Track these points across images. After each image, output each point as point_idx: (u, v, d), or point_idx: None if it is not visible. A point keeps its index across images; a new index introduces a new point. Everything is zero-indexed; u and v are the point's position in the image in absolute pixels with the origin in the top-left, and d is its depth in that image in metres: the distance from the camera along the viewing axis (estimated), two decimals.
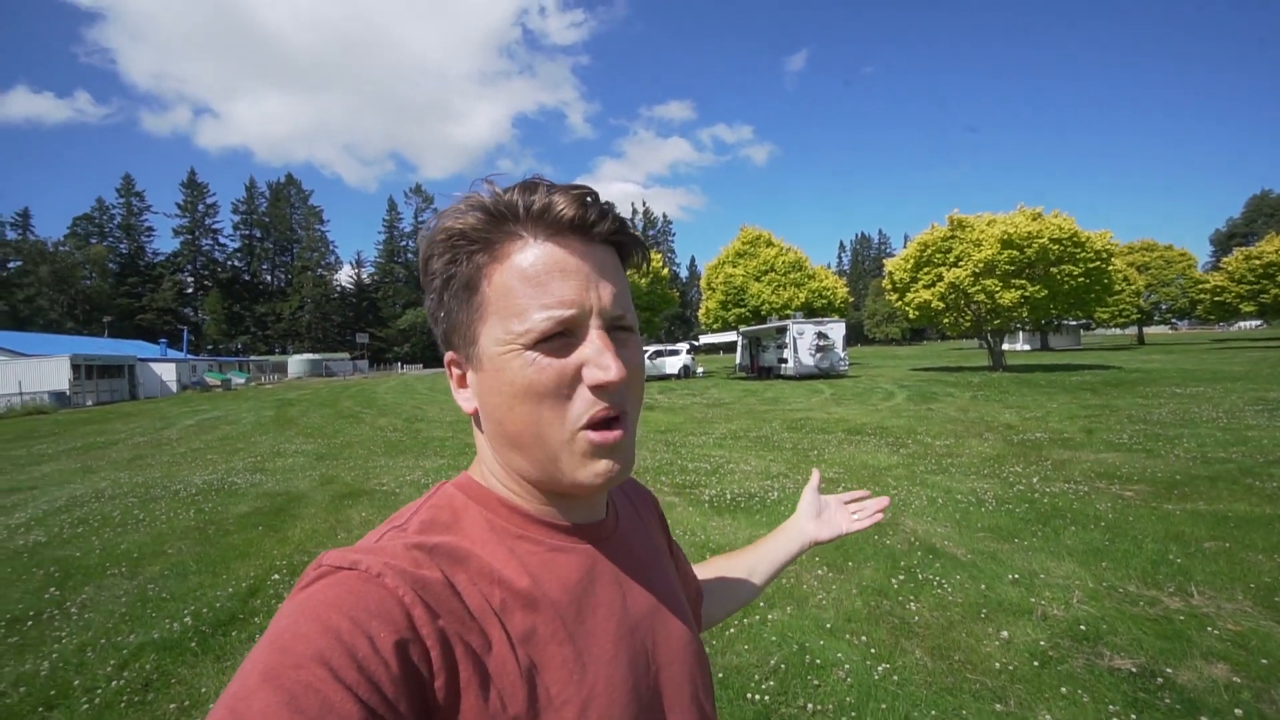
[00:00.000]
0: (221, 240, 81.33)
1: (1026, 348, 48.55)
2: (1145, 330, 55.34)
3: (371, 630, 0.40)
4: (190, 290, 77.79)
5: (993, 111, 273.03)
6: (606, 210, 0.51)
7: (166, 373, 33.82)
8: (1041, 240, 20.05)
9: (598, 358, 0.48)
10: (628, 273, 0.56)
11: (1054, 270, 20.67)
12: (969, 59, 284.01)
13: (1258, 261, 35.12)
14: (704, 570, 0.91)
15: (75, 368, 26.83)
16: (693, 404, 16.31)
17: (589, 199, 0.50)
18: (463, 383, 0.55)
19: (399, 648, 0.40)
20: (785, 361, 24.60)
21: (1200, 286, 41.65)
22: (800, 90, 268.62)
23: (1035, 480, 6.20)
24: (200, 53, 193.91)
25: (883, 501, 0.97)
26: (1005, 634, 3.09)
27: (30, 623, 3.66)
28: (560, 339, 0.48)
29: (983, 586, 3.68)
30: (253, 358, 56.89)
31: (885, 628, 3.25)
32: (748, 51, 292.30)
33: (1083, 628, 3.09)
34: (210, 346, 72.38)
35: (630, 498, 0.71)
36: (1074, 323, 45.71)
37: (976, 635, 3.13)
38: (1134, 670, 2.71)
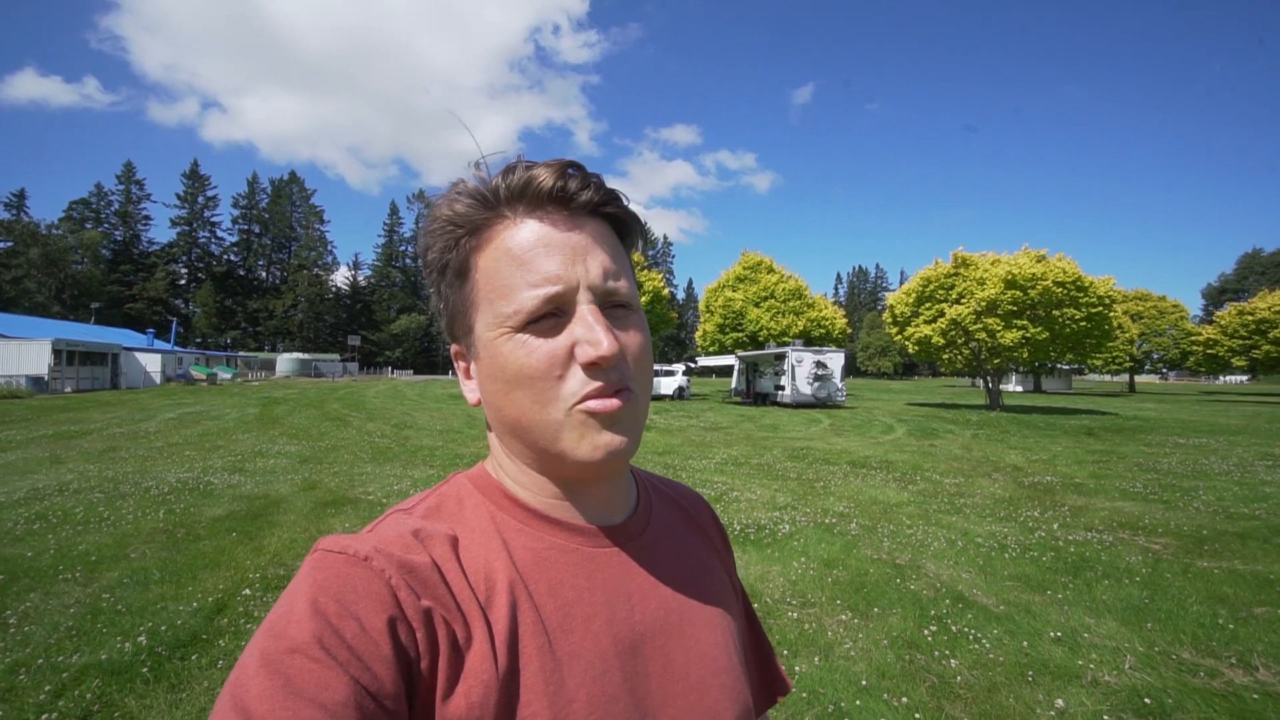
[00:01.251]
0: (219, 234, 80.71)
1: (1019, 389, 48.79)
2: (1136, 378, 55.70)
3: (359, 612, 0.40)
4: (183, 282, 76.90)
5: (993, 155, 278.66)
6: (590, 180, 0.49)
7: (151, 363, 33.08)
8: (1045, 282, 20.05)
9: (588, 334, 0.46)
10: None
11: (1056, 313, 20.66)
12: (972, 101, 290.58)
13: (1250, 317, 35.55)
14: None
15: (57, 353, 26.08)
16: (689, 426, 15.99)
17: (571, 170, 0.48)
18: (468, 374, 0.54)
19: (389, 627, 0.40)
20: (783, 389, 24.36)
21: (1193, 338, 42.07)
22: (805, 122, 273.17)
23: (1055, 527, 5.92)
24: (213, 47, 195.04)
25: None
26: (1060, 703, 2.77)
27: None
28: (551, 319, 0.47)
29: (1024, 644, 3.37)
30: (241, 353, 56.00)
31: (924, 687, 2.92)
32: (756, 81, 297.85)
33: (1147, 701, 2.78)
34: (199, 340, 71.41)
35: (685, 509, 0.66)
36: (1066, 367, 46.00)
37: (1026, 701, 2.81)
38: None
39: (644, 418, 0.51)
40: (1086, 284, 20.55)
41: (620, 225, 0.52)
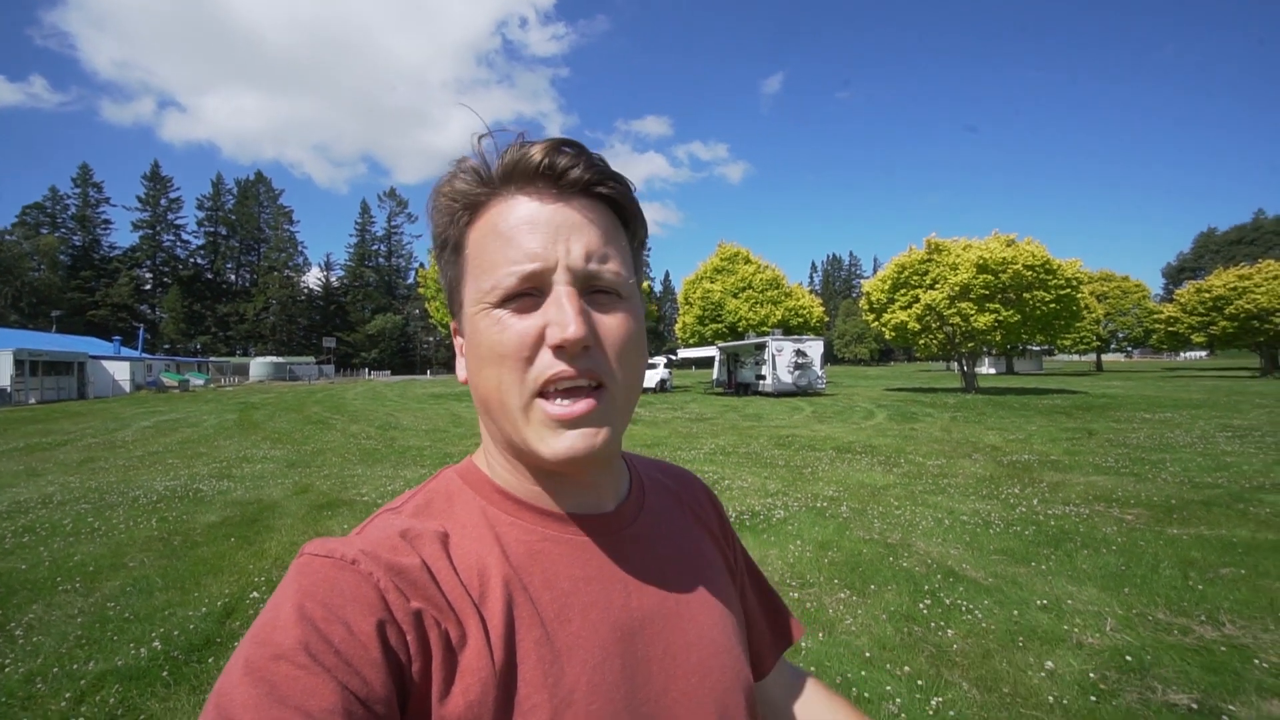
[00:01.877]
0: (184, 236, 78.58)
1: (993, 371, 49.97)
2: (1103, 357, 57.48)
3: (347, 616, 0.39)
4: (149, 287, 74.66)
5: (963, 141, 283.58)
6: (583, 157, 0.47)
7: (120, 371, 32.20)
8: (1016, 266, 20.60)
9: (558, 315, 0.44)
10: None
11: (1026, 295, 21.24)
12: (941, 86, 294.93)
13: (1208, 294, 36.84)
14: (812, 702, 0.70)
15: (19, 363, 25.22)
16: (675, 418, 16.13)
17: (565, 147, 0.47)
18: (462, 351, 0.53)
19: (378, 631, 0.40)
20: (764, 378, 24.66)
21: (1155, 317, 43.51)
22: (775, 112, 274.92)
23: (1035, 502, 6.18)
24: (168, 44, 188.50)
25: None
26: (1050, 664, 2.95)
27: None
28: (528, 298, 0.46)
29: (1014, 613, 3.56)
30: (212, 359, 54.62)
31: (923, 657, 3.08)
32: (726, 71, 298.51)
33: (1128, 658, 2.97)
34: (167, 346, 69.40)
35: (674, 489, 0.65)
36: (1037, 348, 47.27)
37: (1019, 665, 2.98)
38: (1193, 706, 2.59)
39: (626, 411, 0.49)
40: (1055, 266, 21.16)
41: (621, 210, 0.51)
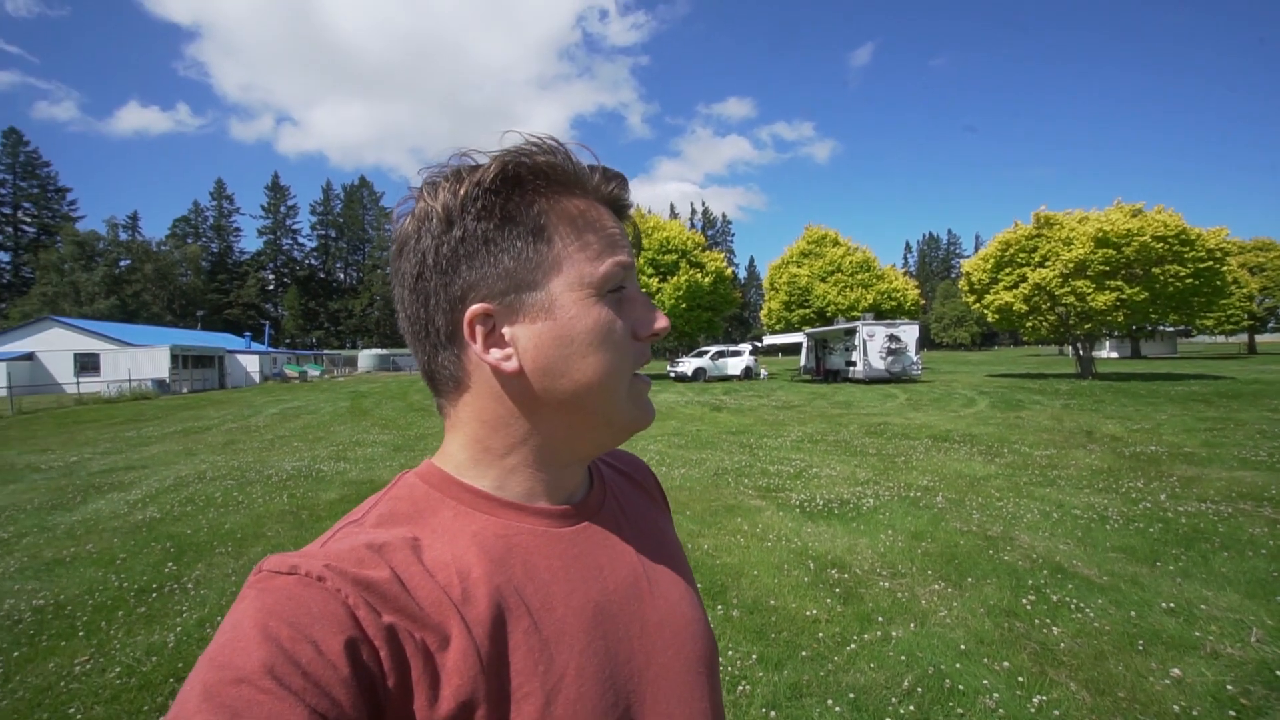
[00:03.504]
0: (300, 240, 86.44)
1: (1115, 355, 45.22)
2: (1257, 338, 50.27)
3: (315, 635, 0.38)
4: (271, 287, 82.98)
5: (1072, 108, 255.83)
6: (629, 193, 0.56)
7: (251, 364, 36.05)
8: (1143, 238, 18.47)
9: (648, 312, 0.53)
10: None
11: (1156, 270, 19.01)
12: (1048, 43, 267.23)
13: None
14: None
15: (175, 358, 28.97)
16: (760, 405, 15.92)
17: (622, 180, 0.55)
18: (497, 341, 0.49)
19: (348, 649, 0.38)
20: (854, 364, 23.73)
21: None
22: (864, 86, 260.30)
23: (1163, 497, 5.60)
24: (283, 64, 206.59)
25: None
26: (1176, 671, 2.71)
27: (154, 595, 3.82)
28: (616, 292, 0.51)
29: (1132, 614, 3.28)
30: (326, 351, 59.95)
31: (1025, 653, 2.92)
32: (810, 46, 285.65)
33: (1278, 673, 2.67)
34: (288, 340, 76.94)
35: (627, 473, 0.69)
36: (1170, 329, 42.14)
37: (1137, 670, 2.76)
38: None
39: None
40: (1193, 237, 18.77)
41: None
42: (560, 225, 0.49)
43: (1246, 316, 40.34)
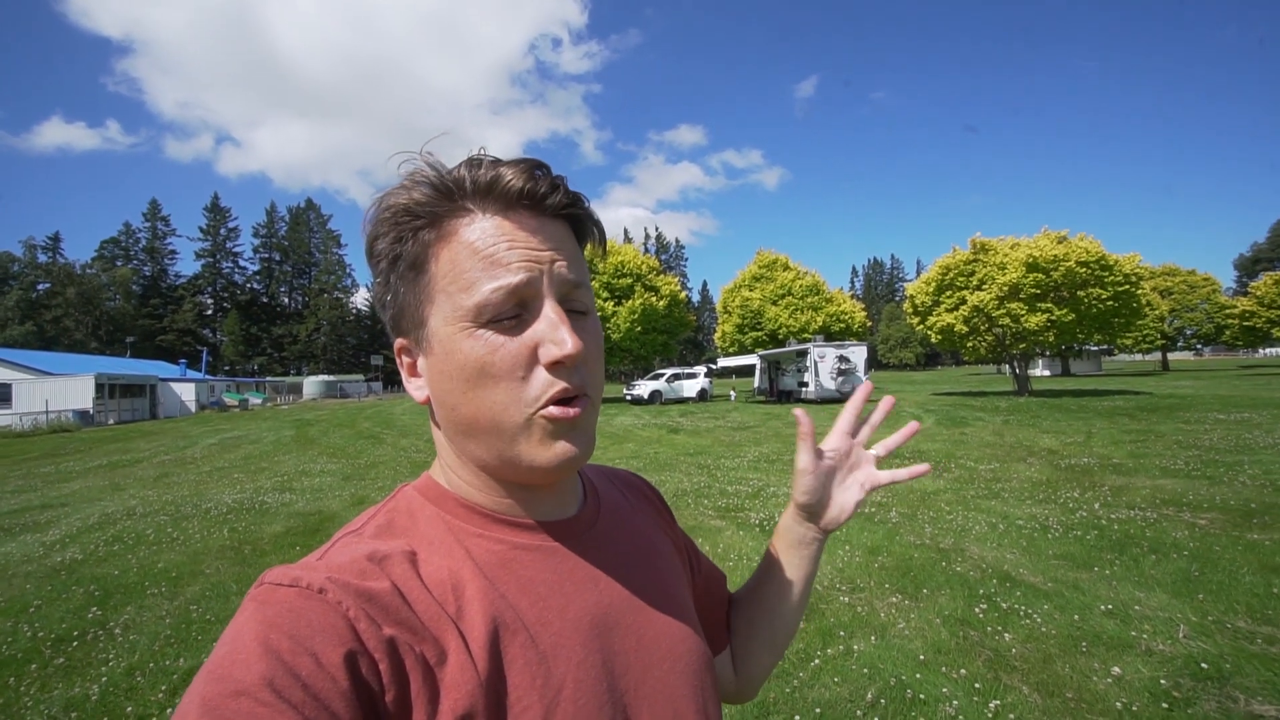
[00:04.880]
0: (242, 263, 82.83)
1: (1047, 373, 47.86)
2: (1169, 356, 54.32)
3: (315, 647, 0.38)
4: (210, 312, 79.01)
5: (1005, 134, 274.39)
6: (559, 183, 0.49)
7: (186, 393, 34.14)
8: (1068, 263, 19.79)
9: (552, 333, 0.45)
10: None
11: (1081, 294, 20.37)
12: (979, 82, 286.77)
13: None
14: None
15: (99, 387, 27.09)
16: (717, 427, 16.08)
17: (539, 171, 0.48)
18: (413, 370, 0.52)
19: (347, 662, 0.38)
20: (806, 385, 24.32)
21: (1228, 312, 40.97)
22: (810, 116, 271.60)
23: (1097, 506, 5.93)
24: (223, 81, 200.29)
25: (922, 469, 0.71)
26: (1117, 670, 2.85)
27: (75, 643, 3.52)
28: (512, 318, 0.46)
29: (1075, 618, 3.44)
30: (269, 378, 57.35)
31: (980, 660, 3.02)
32: (758, 77, 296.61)
33: (1204, 666, 2.85)
34: (227, 367, 73.17)
35: (623, 490, 0.68)
36: (1095, 348, 45.08)
37: (1082, 670, 2.89)
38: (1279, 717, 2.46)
39: (596, 423, 0.52)
40: (1111, 262, 20.24)
41: (579, 228, 0.52)
42: (440, 254, 0.47)
43: (1159, 336, 43.57)
